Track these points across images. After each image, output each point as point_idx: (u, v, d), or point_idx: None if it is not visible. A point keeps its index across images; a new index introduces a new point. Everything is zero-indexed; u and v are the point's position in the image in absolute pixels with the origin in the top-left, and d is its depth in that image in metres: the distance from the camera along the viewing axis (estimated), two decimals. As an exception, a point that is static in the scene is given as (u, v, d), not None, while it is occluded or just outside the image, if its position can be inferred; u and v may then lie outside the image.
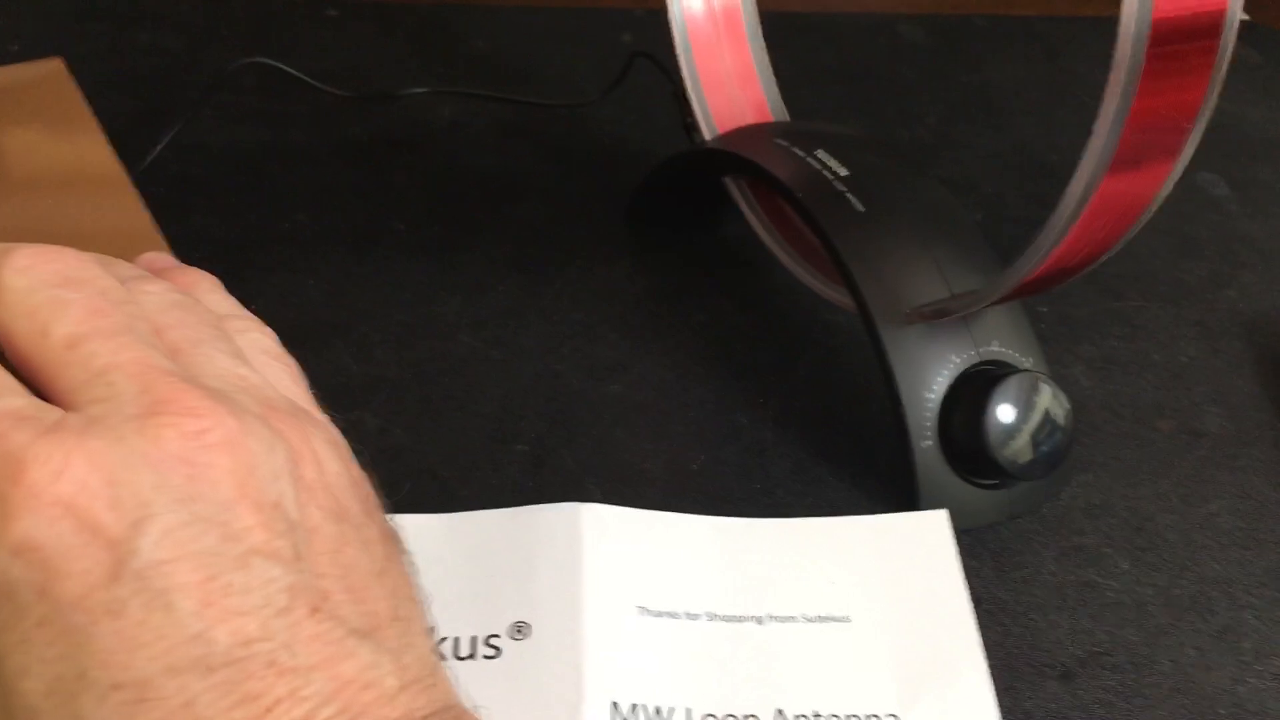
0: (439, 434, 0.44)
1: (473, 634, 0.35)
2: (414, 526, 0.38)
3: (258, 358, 0.28)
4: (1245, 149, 0.64)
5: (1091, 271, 0.54)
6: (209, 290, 0.30)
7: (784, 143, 0.46)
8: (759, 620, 0.37)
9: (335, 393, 0.45)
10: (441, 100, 0.63)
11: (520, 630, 0.35)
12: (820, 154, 0.45)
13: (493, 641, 0.35)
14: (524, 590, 0.36)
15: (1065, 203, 0.33)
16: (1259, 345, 0.50)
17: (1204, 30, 0.31)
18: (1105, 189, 0.33)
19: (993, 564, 0.40)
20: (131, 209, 0.38)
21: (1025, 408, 0.39)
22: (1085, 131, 0.62)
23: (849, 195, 0.43)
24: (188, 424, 0.23)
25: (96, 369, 0.23)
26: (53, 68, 0.45)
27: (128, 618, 0.21)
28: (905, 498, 0.41)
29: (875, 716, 0.34)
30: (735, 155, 0.47)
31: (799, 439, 0.44)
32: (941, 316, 0.40)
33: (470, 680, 0.34)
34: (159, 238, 0.37)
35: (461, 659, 0.35)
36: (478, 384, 0.46)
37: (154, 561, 0.22)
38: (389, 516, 0.38)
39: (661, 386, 0.46)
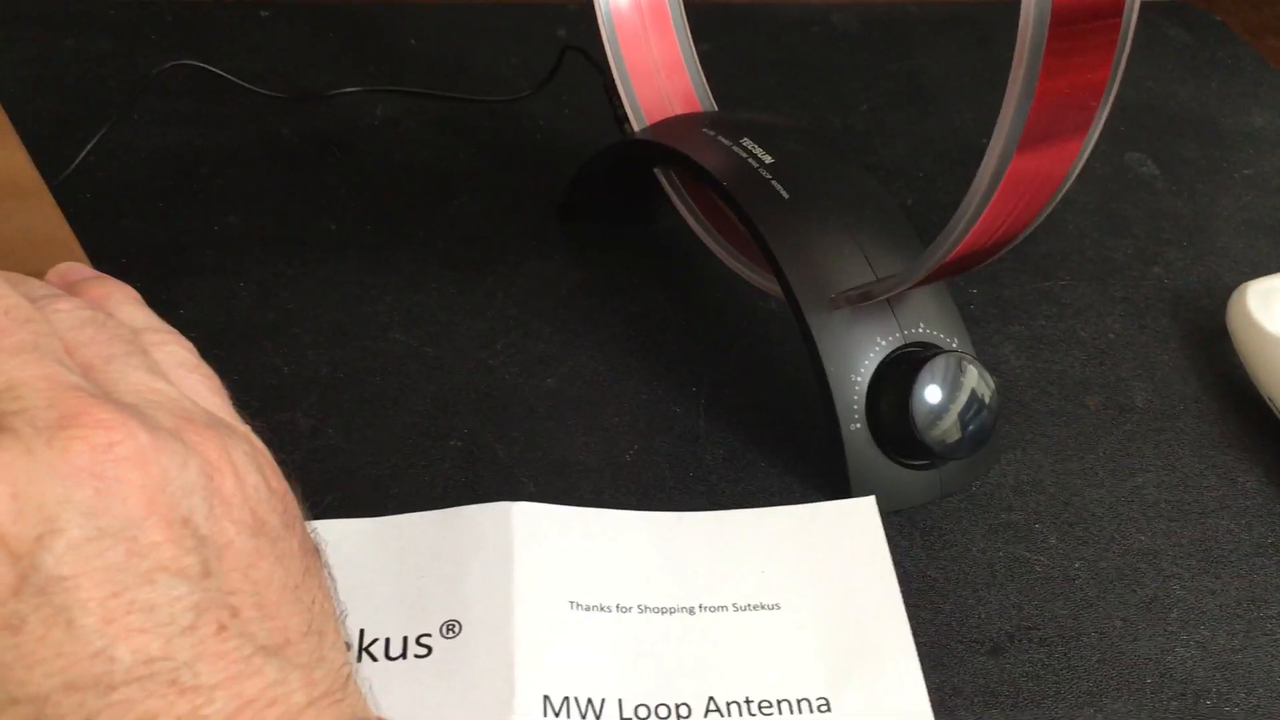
0: (371, 433, 0.43)
1: (404, 634, 0.35)
2: (344, 531, 0.38)
3: (174, 371, 0.27)
4: (1173, 127, 0.65)
5: (1020, 252, 0.54)
6: (124, 303, 0.29)
7: (710, 132, 0.46)
8: (690, 611, 0.37)
9: (267, 394, 0.45)
10: (374, 99, 0.63)
11: (451, 629, 0.35)
12: (746, 142, 0.45)
13: (424, 641, 0.35)
14: (455, 589, 0.36)
15: (976, 184, 0.34)
16: (1184, 320, 0.51)
17: (1106, 9, 0.31)
18: (1015, 169, 0.33)
19: (923, 543, 0.40)
20: (49, 217, 0.38)
21: (951, 388, 0.40)
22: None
23: (774, 183, 0.43)
24: (97, 437, 0.22)
25: (2, 385, 0.23)
26: (-33, 74, 0.44)
27: (27, 633, 0.21)
28: (837, 481, 0.41)
29: (806, 701, 0.34)
30: (662, 146, 0.47)
31: (732, 427, 0.45)
32: (866, 300, 0.40)
33: (402, 680, 0.34)
34: (77, 246, 0.37)
35: (392, 659, 0.34)
36: (410, 382, 0.46)
37: (57, 576, 0.21)
38: (312, 525, 0.38)
39: (595, 379, 0.46)
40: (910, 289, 0.40)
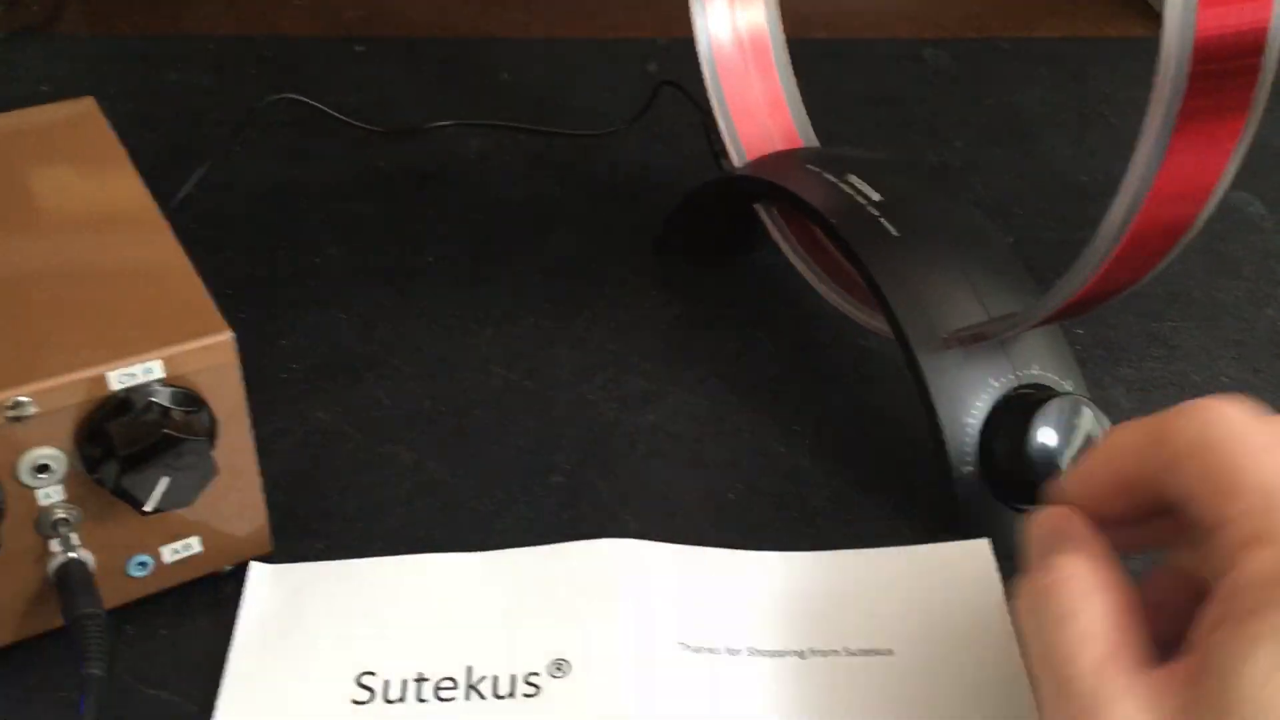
0: (474, 467, 0.43)
1: (511, 672, 0.35)
2: (450, 565, 0.38)
3: None
4: (1279, 166, 0.63)
5: (1127, 293, 0.53)
6: None
7: (815, 168, 0.46)
8: (801, 655, 0.36)
9: (369, 427, 0.45)
10: (469, 132, 0.63)
11: (560, 668, 0.35)
12: (852, 179, 0.45)
13: (532, 680, 0.35)
14: (563, 627, 0.36)
15: (1108, 224, 0.33)
16: (1302, 366, 0.49)
17: (1247, 49, 0.30)
18: (1147, 210, 0.32)
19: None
20: (166, 245, 0.38)
21: (1067, 430, 0.39)
22: (1114, 151, 0.62)
23: (882, 220, 0.43)
24: None
25: None
26: (84, 106, 0.45)
27: None
28: (947, 525, 0.40)
29: (923, 751, 0.33)
30: (767, 181, 0.47)
31: (837, 467, 0.44)
32: (979, 340, 0.39)
33: (510, 719, 0.34)
34: (193, 274, 0.37)
35: (501, 698, 0.34)
36: (511, 415, 0.46)
37: None
38: (418, 559, 0.37)
39: (695, 415, 0.46)
40: (1028, 329, 0.39)
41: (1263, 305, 0.53)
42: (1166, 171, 0.31)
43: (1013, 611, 0.33)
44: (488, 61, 0.70)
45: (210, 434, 0.35)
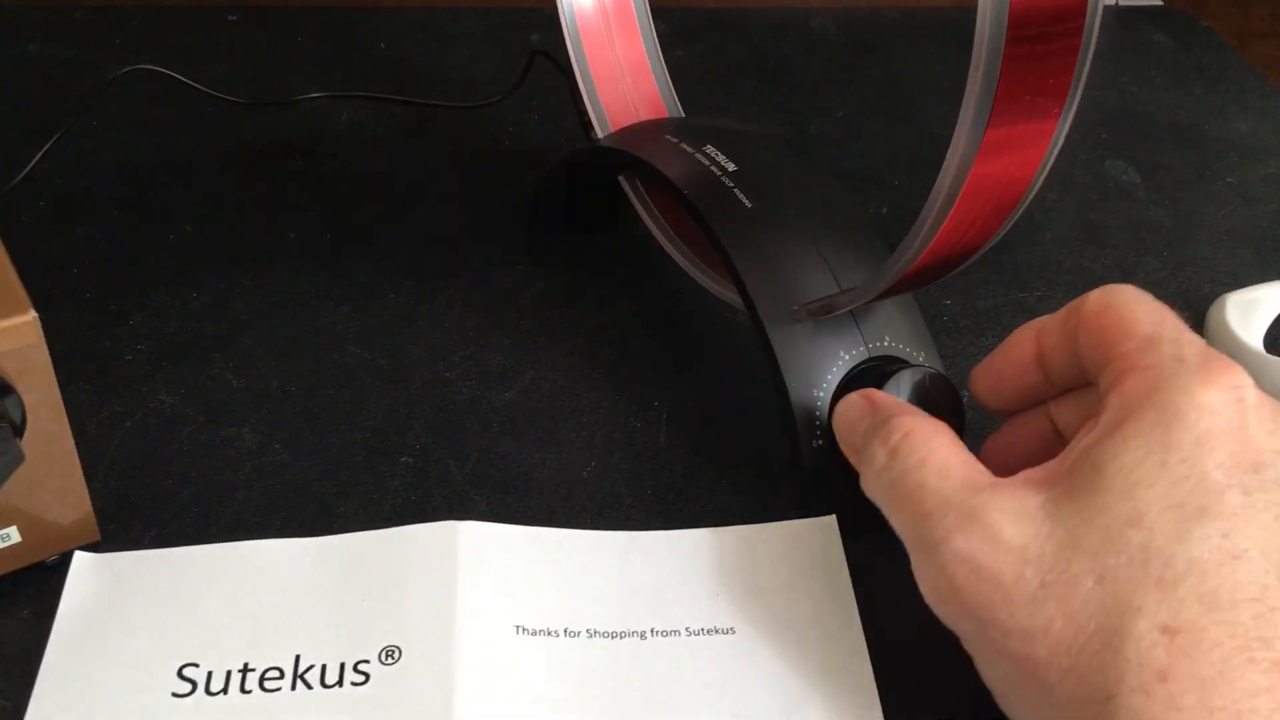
0: (320, 449, 0.42)
1: (341, 660, 0.34)
2: (283, 552, 0.37)
3: None
4: (1155, 135, 0.63)
5: (995, 262, 0.53)
6: None
7: (673, 139, 0.45)
8: (641, 635, 0.35)
9: (214, 408, 0.43)
10: (340, 104, 0.61)
11: (391, 655, 0.34)
12: (709, 149, 0.44)
13: (362, 668, 0.34)
14: (396, 613, 0.35)
15: (935, 193, 0.32)
16: (1163, 333, 0.49)
17: (1067, 11, 0.30)
18: (976, 177, 0.32)
19: (889, 566, 0.39)
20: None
21: (917, 403, 0.38)
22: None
23: (736, 191, 0.42)
24: None
25: None
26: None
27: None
28: (799, 500, 0.40)
29: (758, 729, 0.33)
30: (623, 153, 0.46)
31: (694, 442, 0.43)
32: (828, 313, 0.39)
33: (337, 710, 0.33)
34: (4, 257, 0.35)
35: (328, 687, 0.33)
36: (363, 396, 0.44)
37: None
38: (251, 545, 0.36)
39: (554, 393, 0.45)
40: (873, 301, 0.38)
41: (1129, 274, 0.53)
42: (991, 140, 0.31)
43: (869, 490, 0.34)
44: (366, 31, 0.69)
45: (17, 419, 0.33)
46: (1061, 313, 0.34)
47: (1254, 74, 0.70)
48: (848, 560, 0.38)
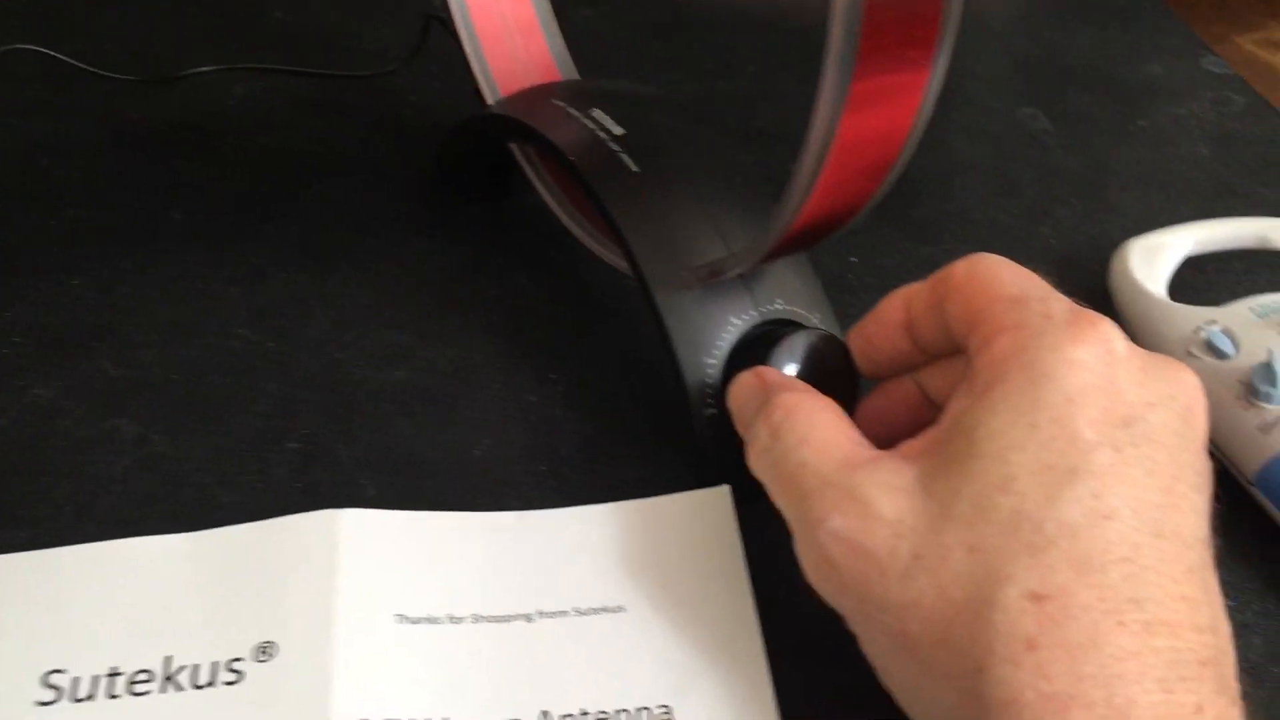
0: (203, 438, 0.41)
1: (214, 659, 0.33)
2: (158, 549, 0.36)
3: None
4: (1068, 80, 0.62)
5: (902, 216, 0.52)
6: None
7: (560, 103, 0.44)
8: (528, 618, 0.34)
9: (91, 400, 0.42)
10: (233, 78, 0.59)
11: (265, 651, 0.33)
12: (596, 113, 0.43)
13: (235, 666, 0.32)
14: (272, 608, 0.34)
15: (805, 152, 0.31)
16: (1070, 281, 0.48)
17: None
18: (846, 133, 0.31)
19: (786, 535, 0.38)
20: None
21: (809, 366, 0.37)
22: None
23: (623, 155, 0.41)
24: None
25: None
26: None
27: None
28: (695, 471, 0.39)
29: (646, 709, 0.32)
30: (510, 119, 0.44)
31: (590, 414, 0.42)
32: (715, 277, 0.38)
33: (210, 711, 0.32)
34: None
35: (200, 688, 0.32)
36: (251, 380, 0.43)
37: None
38: (126, 543, 0.35)
39: (449, 369, 0.44)
40: (760, 264, 0.37)
41: (1038, 223, 0.52)
42: (858, 94, 0.30)
43: (753, 469, 0.33)
44: (261, 0, 0.66)
45: None
46: (930, 280, 0.33)
47: (1169, 15, 0.69)
48: (743, 529, 0.37)
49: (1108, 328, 0.30)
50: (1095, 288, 0.47)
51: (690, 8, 0.68)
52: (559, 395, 0.43)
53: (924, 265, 0.49)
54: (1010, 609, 0.27)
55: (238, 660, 0.33)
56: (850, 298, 0.48)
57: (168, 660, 0.33)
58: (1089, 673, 0.26)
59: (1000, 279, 0.32)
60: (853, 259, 0.50)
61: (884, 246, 0.50)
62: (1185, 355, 0.41)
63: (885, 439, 0.32)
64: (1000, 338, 0.30)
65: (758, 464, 0.33)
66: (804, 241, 0.36)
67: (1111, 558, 0.27)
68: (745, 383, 0.36)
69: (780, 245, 0.35)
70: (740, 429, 0.36)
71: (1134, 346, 0.30)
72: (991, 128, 0.58)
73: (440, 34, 0.58)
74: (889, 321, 0.35)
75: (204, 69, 0.59)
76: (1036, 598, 0.27)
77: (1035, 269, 0.49)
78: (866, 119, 0.31)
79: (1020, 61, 0.64)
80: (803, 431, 0.32)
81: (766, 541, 0.38)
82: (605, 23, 0.66)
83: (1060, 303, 0.31)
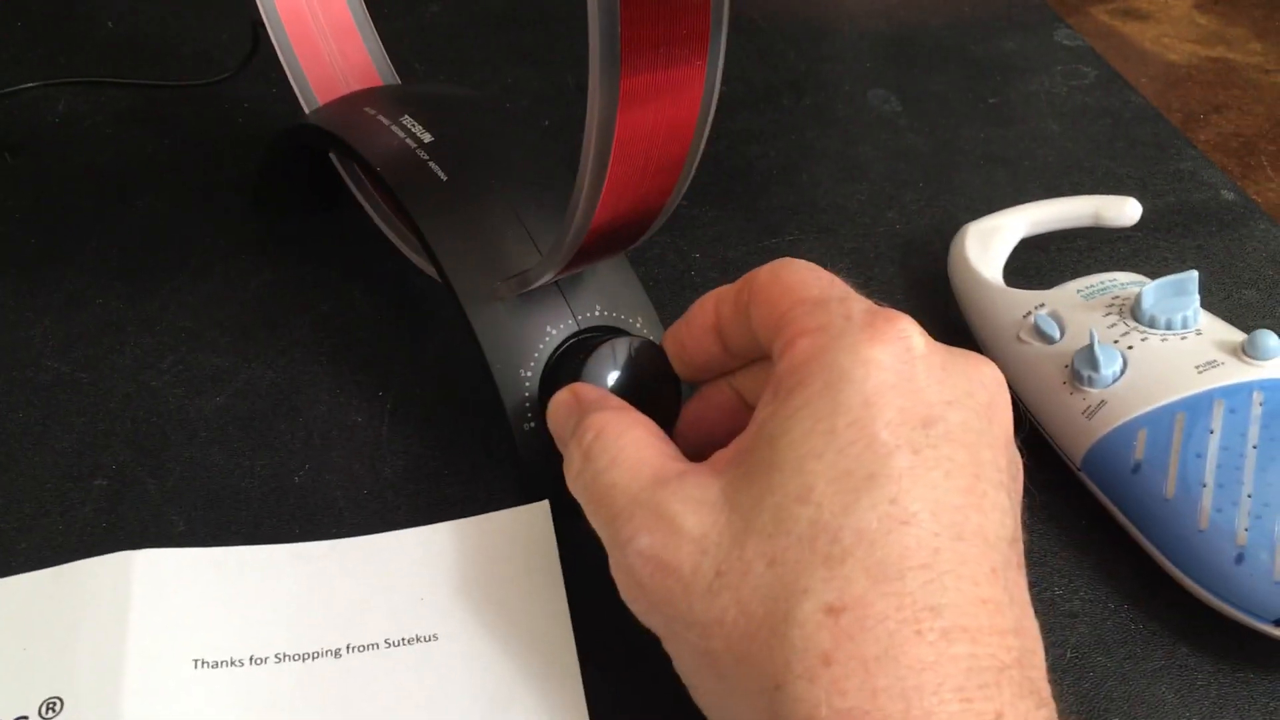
0: (3, 480, 0.39)
1: (-4, 719, 0.31)
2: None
3: None
4: (921, 59, 0.62)
5: (748, 208, 0.51)
6: None
7: (371, 111, 0.42)
8: (336, 654, 0.33)
9: None
10: (56, 93, 0.57)
11: (51, 708, 0.31)
12: (406, 120, 0.41)
13: (17, 724, 0.31)
14: (60, 661, 0.32)
15: (586, 153, 0.30)
16: (912, 268, 0.48)
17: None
18: (624, 129, 0.29)
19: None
20: None
21: (625, 373, 0.36)
22: (759, 68, 0.58)
23: (432, 164, 0.39)
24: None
25: None
26: None
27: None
28: (516, 486, 0.38)
29: (455, 742, 0.31)
30: (319, 129, 0.43)
31: (418, 433, 0.41)
32: (525, 287, 0.36)
33: (-13, 774, 0.30)
34: None
35: (-22, 751, 0.30)
36: (58, 415, 0.41)
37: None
38: None
39: (271, 392, 0.42)
40: (567, 271, 0.36)
41: (884, 209, 0.52)
42: (630, 90, 0.29)
43: (571, 489, 0.32)
44: (92, 10, 0.64)
45: None
46: (737, 284, 0.33)
47: (1023, -13, 0.69)
48: (567, 542, 0.36)
49: (906, 325, 0.29)
50: (938, 273, 0.47)
51: (536, 2, 0.67)
52: (386, 414, 0.41)
53: (768, 256, 0.48)
54: (807, 624, 0.26)
55: (22, 718, 0.31)
56: (693, 294, 0.46)
57: (-55, 724, 0.31)
58: (884, 686, 0.25)
59: (804, 282, 0.31)
60: (695, 255, 0.49)
61: (728, 239, 0.50)
62: (1015, 341, 0.40)
63: (705, 446, 0.31)
64: (801, 340, 0.29)
65: (573, 486, 0.32)
66: (610, 244, 0.35)
67: (910, 564, 0.26)
68: (561, 401, 0.34)
69: (582, 251, 0.34)
70: (560, 447, 0.34)
71: (934, 343, 0.29)
72: (842, 111, 0.58)
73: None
74: (700, 325, 0.34)
75: (28, 85, 0.56)
76: (832, 610, 0.26)
77: (879, 257, 0.49)
78: (645, 115, 0.30)
79: (874, 43, 0.63)
80: (612, 452, 0.31)
81: (588, 554, 0.37)
82: (452, 18, 0.65)
83: (861, 303, 0.30)
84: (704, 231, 0.50)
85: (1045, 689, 0.27)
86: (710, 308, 0.34)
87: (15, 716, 0.31)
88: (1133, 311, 0.39)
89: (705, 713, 0.29)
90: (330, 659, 0.33)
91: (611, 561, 0.30)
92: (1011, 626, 0.27)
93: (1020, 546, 0.29)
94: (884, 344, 0.28)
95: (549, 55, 0.62)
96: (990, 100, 0.59)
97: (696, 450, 0.31)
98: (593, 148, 0.30)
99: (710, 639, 0.27)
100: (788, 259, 0.32)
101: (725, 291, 0.33)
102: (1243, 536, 0.33)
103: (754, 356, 0.33)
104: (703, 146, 0.32)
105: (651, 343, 0.37)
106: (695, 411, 0.35)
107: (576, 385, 0.35)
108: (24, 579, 0.34)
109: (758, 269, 0.32)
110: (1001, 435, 0.29)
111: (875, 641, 0.25)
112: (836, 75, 0.60)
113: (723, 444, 0.30)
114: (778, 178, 0.53)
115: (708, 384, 0.35)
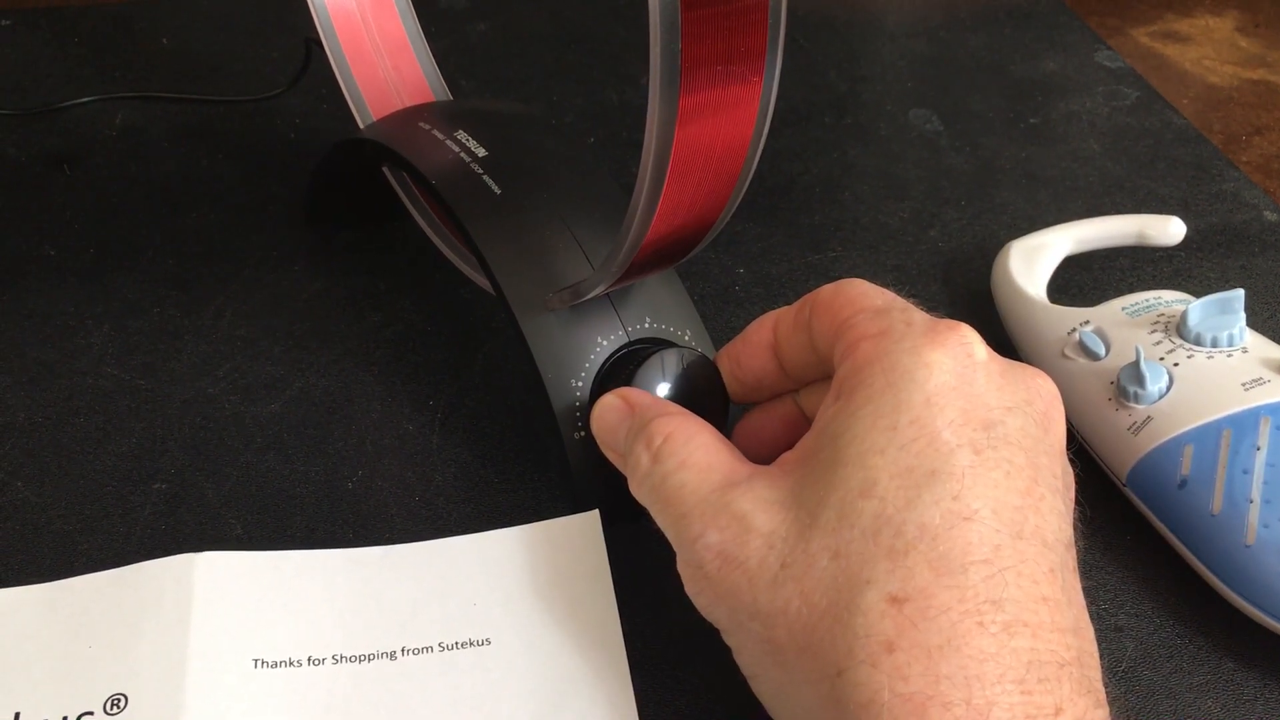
0: (66, 483, 0.40)
1: (63, 714, 0.32)
2: (11, 601, 0.34)
3: None
4: (962, 79, 0.62)
5: (791, 224, 0.52)
6: None
7: (426, 126, 0.43)
8: (391, 656, 0.34)
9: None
10: (115, 107, 0.58)
11: (117, 704, 0.32)
12: (461, 135, 0.42)
13: (83, 720, 0.31)
14: (124, 659, 0.33)
15: (645, 168, 0.31)
16: (955, 285, 0.49)
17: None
18: (682, 146, 0.30)
19: (657, 555, 0.38)
20: None
21: (675, 384, 0.37)
22: (802, 79, 0.59)
23: (486, 177, 0.40)
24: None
25: None
26: None
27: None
28: (568, 495, 0.38)
29: (508, 744, 0.32)
30: (375, 143, 0.43)
31: (468, 442, 0.42)
32: (577, 299, 0.37)
33: (55, 766, 0.31)
34: None
35: (46, 744, 0.31)
36: (118, 420, 0.42)
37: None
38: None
39: (324, 400, 0.43)
40: (620, 284, 0.37)
41: (926, 227, 0.52)
42: (688, 108, 0.29)
43: (636, 494, 0.33)
44: (145, 27, 0.65)
45: None
46: (797, 303, 0.34)
47: (1064, 10, 0.69)
48: (616, 549, 0.36)
49: (967, 333, 0.30)
50: (981, 290, 0.47)
51: (580, 20, 0.68)
52: (437, 423, 0.42)
53: (811, 272, 0.49)
54: (870, 612, 0.26)
55: (88, 715, 0.32)
56: (737, 309, 0.48)
57: (16, 716, 0.32)
58: (947, 673, 0.25)
59: (865, 294, 0.32)
60: (740, 270, 0.49)
61: (772, 255, 0.50)
62: (1060, 357, 0.41)
63: (766, 456, 0.32)
64: (863, 344, 0.30)
65: (640, 489, 0.33)
66: (663, 258, 0.35)
67: (972, 559, 0.27)
68: (610, 406, 0.35)
69: (635, 264, 0.34)
70: (606, 451, 0.35)
71: (994, 354, 0.30)
72: (884, 130, 0.58)
73: (324, 57, 0.57)
74: (757, 342, 0.35)
75: (85, 99, 0.58)
76: (896, 600, 0.26)
77: (922, 273, 0.50)
78: (702, 132, 0.30)
79: (915, 62, 0.64)
80: (682, 455, 0.32)
81: (638, 563, 0.37)
82: (500, 36, 0.66)
83: (921, 314, 0.31)
84: (748, 247, 0.50)
85: (1102, 691, 0.27)
86: (769, 326, 0.35)
87: (81, 712, 0.32)
88: (1178, 329, 0.39)
89: (765, 702, 0.30)
90: (386, 661, 0.34)
91: (680, 558, 0.31)
92: (1070, 626, 0.27)
93: (1075, 552, 0.29)
94: (945, 348, 0.29)
95: (592, 73, 0.63)
96: (1031, 120, 0.59)
97: (755, 459, 0.32)
98: (650, 163, 0.30)
99: (774, 629, 0.28)
100: (850, 279, 0.33)
101: (784, 311, 0.34)
102: (1290, 553, 0.33)
103: (809, 379, 0.34)
104: (756, 163, 0.33)
105: (702, 355, 0.37)
106: (757, 421, 0.36)
107: (625, 390, 0.35)
108: (88, 579, 0.35)
109: (819, 288, 0.33)
110: (1056, 444, 0.30)
111: (938, 631, 0.26)
112: (878, 94, 0.61)
113: (777, 451, 0.31)
114: (820, 195, 0.54)
115: (772, 400, 0.36)
